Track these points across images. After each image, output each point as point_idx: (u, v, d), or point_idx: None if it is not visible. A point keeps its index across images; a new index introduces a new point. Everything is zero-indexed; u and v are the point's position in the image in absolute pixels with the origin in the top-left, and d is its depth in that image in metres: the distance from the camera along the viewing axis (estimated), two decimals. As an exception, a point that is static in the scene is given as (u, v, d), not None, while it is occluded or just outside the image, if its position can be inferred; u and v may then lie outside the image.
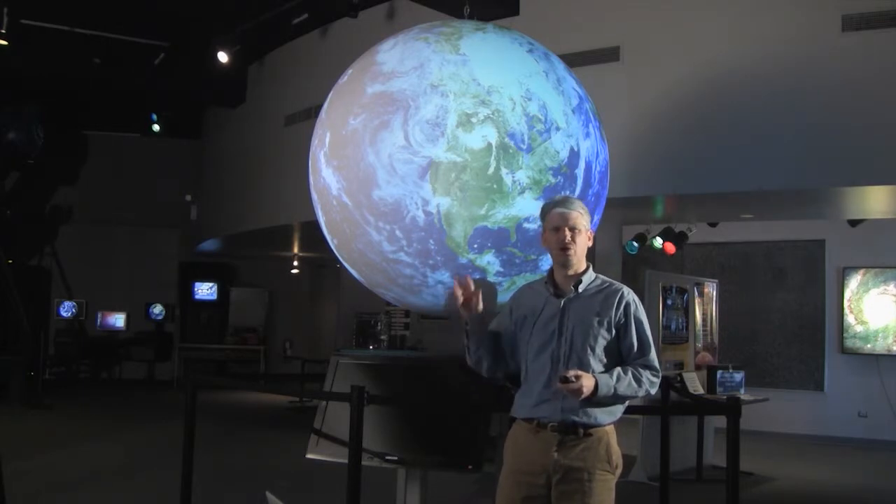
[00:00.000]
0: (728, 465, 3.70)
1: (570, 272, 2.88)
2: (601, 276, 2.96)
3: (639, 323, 2.85)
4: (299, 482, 6.14)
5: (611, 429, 2.82)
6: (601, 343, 2.79)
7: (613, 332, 2.81)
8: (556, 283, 2.91)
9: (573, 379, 2.63)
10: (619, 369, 2.76)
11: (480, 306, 2.90)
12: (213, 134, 13.50)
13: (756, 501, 6.42)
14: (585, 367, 2.74)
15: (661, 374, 2.85)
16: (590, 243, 2.93)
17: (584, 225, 2.88)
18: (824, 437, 9.42)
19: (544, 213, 2.96)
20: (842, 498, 6.79)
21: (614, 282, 2.95)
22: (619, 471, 2.82)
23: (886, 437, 9.18)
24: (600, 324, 2.80)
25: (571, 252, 2.85)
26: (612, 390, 2.70)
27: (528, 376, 2.86)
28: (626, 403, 2.84)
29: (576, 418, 2.73)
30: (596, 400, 2.70)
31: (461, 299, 2.90)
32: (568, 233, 2.84)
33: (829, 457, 8.67)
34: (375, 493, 3.78)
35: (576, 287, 2.87)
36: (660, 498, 4.74)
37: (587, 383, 2.64)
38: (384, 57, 3.56)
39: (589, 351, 2.77)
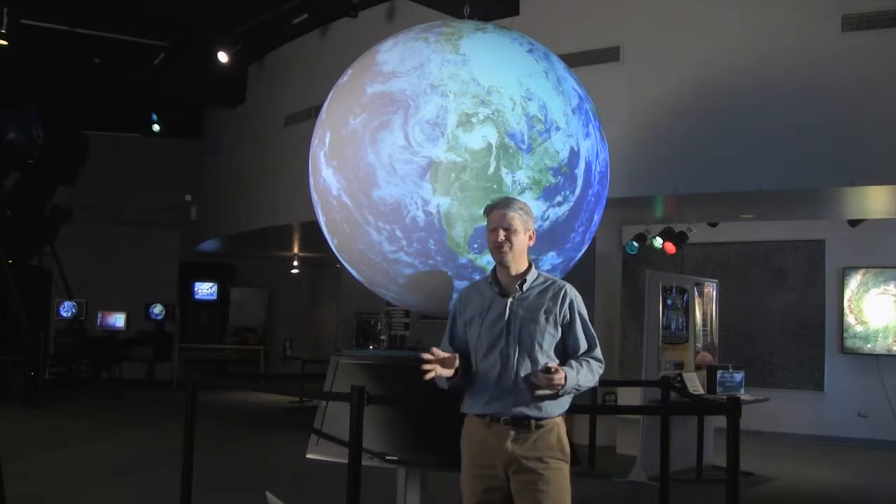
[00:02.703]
0: (728, 465, 3.70)
1: (513, 272, 2.94)
2: (543, 274, 3.03)
3: (583, 319, 2.95)
4: (299, 482, 6.14)
5: (560, 420, 2.91)
6: (548, 340, 2.87)
7: (559, 329, 2.90)
8: (501, 283, 2.96)
9: (553, 372, 2.71)
10: (575, 363, 2.85)
11: (451, 371, 2.84)
12: (213, 134, 13.50)
13: (756, 501, 6.42)
14: (535, 363, 2.83)
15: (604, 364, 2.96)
16: (530, 243, 2.98)
17: (520, 226, 2.92)
18: (824, 437, 9.42)
19: (485, 213, 3.00)
20: (842, 498, 6.78)
21: (556, 279, 3.02)
22: (569, 459, 2.90)
23: (886, 437, 9.17)
24: (547, 321, 2.88)
25: (505, 250, 2.90)
26: (576, 382, 2.80)
27: (478, 374, 2.91)
28: (572, 396, 2.93)
29: (528, 412, 2.82)
30: (561, 393, 2.80)
31: (441, 371, 2.82)
32: (502, 233, 2.89)
33: (829, 457, 8.66)
34: (375, 493, 3.78)
35: (520, 287, 2.93)
36: (660, 498, 4.74)
37: (560, 377, 2.73)
38: (384, 57, 3.57)
39: (537, 348, 2.85)
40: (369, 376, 3.78)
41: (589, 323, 2.97)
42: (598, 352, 2.94)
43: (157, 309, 15.25)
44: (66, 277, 15.07)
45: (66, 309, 14.74)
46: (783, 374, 9.96)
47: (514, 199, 3.06)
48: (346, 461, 3.39)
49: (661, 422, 5.03)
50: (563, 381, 2.72)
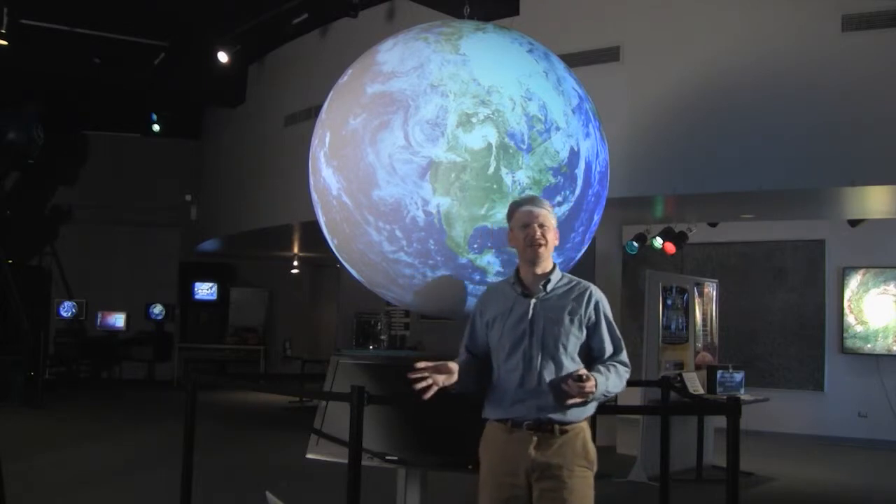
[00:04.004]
0: (728, 465, 3.69)
1: (539, 271, 2.87)
2: (568, 275, 2.96)
3: (608, 321, 2.86)
4: (299, 482, 6.14)
5: (585, 425, 2.82)
6: (573, 342, 2.79)
7: (584, 330, 2.82)
8: (524, 283, 2.89)
9: (585, 379, 2.63)
10: (603, 369, 2.77)
11: (454, 375, 2.76)
12: (213, 134, 13.50)
13: (756, 501, 6.42)
14: (559, 365, 2.75)
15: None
16: (556, 242, 2.93)
17: (552, 223, 2.89)
18: (824, 437, 9.42)
19: (511, 212, 2.95)
20: (842, 498, 6.79)
21: (581, 280, 2.95)
22: (595, 467, 2.82)
23: (886, 437, 9.17)
24: (571, 322, 2.80)
25: (543, 248, 2.84)
26: (606, 388, 2.72)
27: (500, 377, 2.83)
28: (599, 402, 2.85)
29: (551, 416, 2.73)
30: (590, 400, 2.71)
31: (440, 380, 2.73)
32: (538, 229, 2.84)
33: (829, 457, 8.67)
34: (375, 493, 3.78)
35: (544, 287, 2.86)
36: (660, 498, 4.73)
37: (591, 384, 2.65)
38: (384, 57, 3.57)
39: (561, 349, 2.77)
40: (369, 376, 3.78)
41: (615, 325, 2.87)
42: (624, 355, 2.84)
43: (157, 309, 15.26)
44: (66, 277, 15.07)
45: (66, 309, 14.74)
46: (783, 374, 9.96)
47: (540, 197, 3.02)
48: (346, 461, 3.38)
49: (661, 422, 5.01)
50: (594, 389, 2.64)
